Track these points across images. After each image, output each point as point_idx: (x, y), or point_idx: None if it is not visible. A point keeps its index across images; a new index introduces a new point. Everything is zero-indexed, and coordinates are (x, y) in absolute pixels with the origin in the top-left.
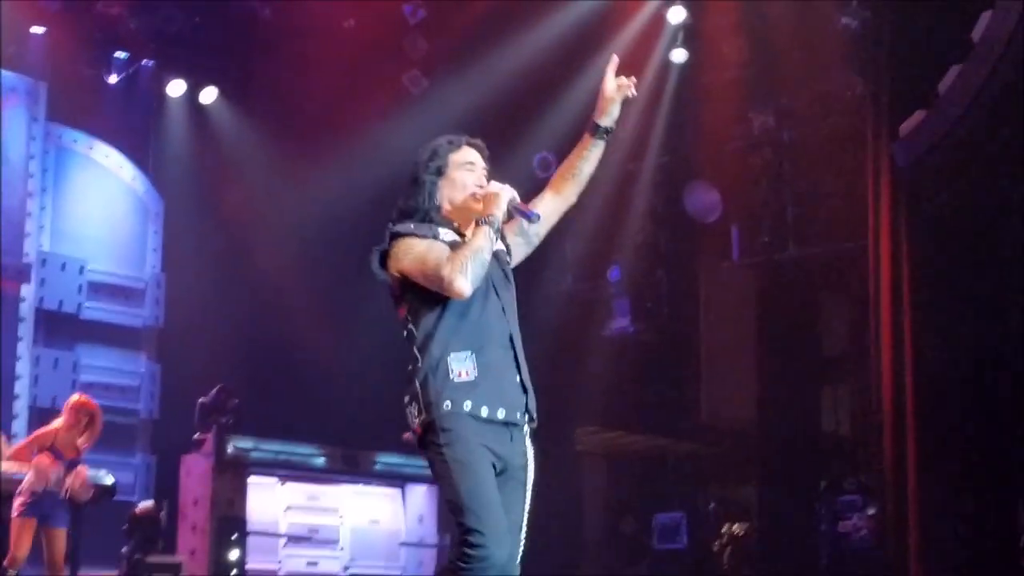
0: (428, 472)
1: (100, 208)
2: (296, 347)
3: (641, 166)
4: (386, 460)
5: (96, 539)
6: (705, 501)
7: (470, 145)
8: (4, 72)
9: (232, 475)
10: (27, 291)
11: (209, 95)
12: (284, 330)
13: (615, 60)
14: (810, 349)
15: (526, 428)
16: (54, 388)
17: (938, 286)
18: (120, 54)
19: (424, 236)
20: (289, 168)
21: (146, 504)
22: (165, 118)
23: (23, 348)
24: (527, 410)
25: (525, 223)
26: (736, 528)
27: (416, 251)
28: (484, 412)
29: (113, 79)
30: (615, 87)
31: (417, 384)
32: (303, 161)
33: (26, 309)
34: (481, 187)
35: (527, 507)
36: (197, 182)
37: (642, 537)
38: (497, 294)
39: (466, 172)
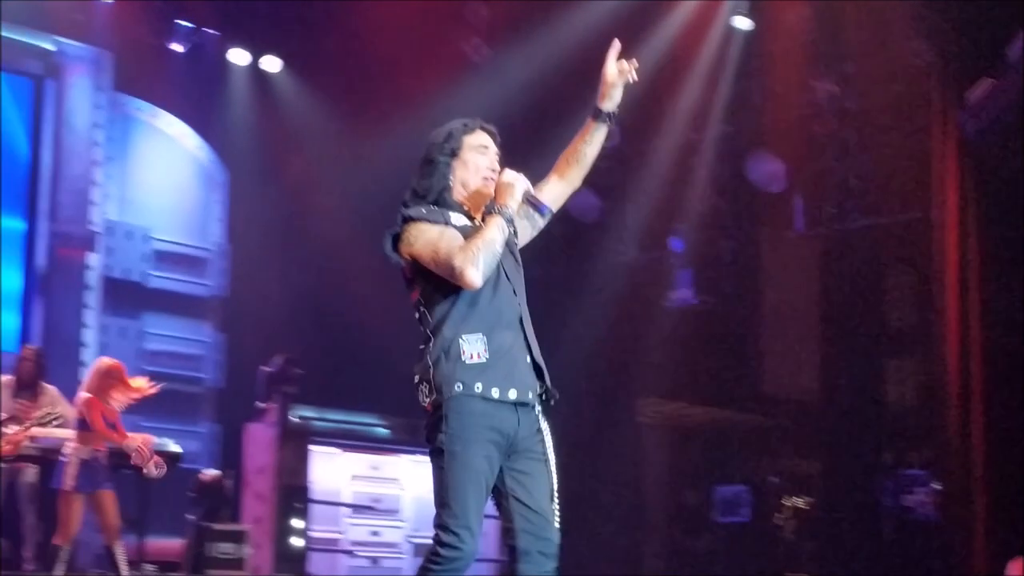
0: None
1: (165, 177)
2: (359, 316)
3: (704, 136)
4: None
5: (163, 507)
6: (767, 474)
7: (483, 129)
8: (70, 42)
9: (295, 444)
10: (93, 260)
11: (272, 64)
12: (347, 299)
13: (616, 45)
14: (874, 321)
15: (538, 408)
16: (120, 356)
17: (1006, 256)
18: (184, 23)
19: (436, 221)
20: (352, 137)
21: (211, 472)
22: (229, 87)
23: (90, 316)
24: (540, 389)
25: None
26: (799, 501)
27: (428, 236)
28: (495, 393)
29: (177, 48)
30: (616, 72)
31: (429, 365)
32: (365, 130)
33: (93, 277)
34: (494, 171)
35: (554, 483)
36: (260, 152)
37: (704, 510)
38: (508, 277)
39: (479, 155)
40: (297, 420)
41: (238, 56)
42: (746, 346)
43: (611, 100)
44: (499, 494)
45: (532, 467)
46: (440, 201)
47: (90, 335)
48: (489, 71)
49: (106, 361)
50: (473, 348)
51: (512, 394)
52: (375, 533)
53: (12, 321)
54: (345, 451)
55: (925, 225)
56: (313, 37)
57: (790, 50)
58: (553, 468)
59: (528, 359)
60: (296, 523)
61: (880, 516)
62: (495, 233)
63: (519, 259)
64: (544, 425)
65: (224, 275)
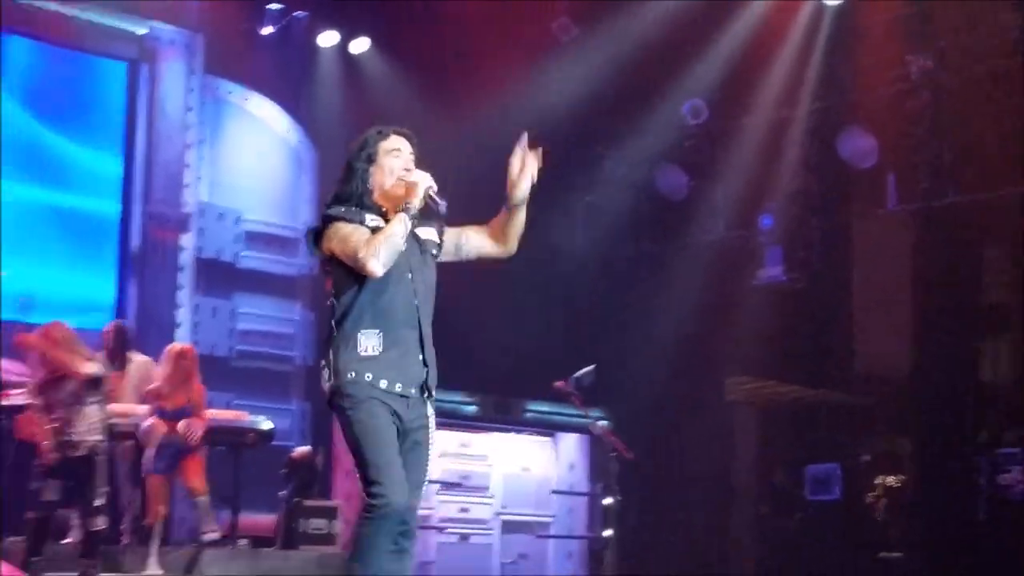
0: (580, 420)
1: (255, 159)
2: (448, 295)
3: (794, 113)
4: (537, 408)
5: (256, 483)
6: (859, 452)
7: (397, 134)
8: (162, 25)
9: None
10: (186, 241)
11: (360, 45)
12: (436, 278)
13: (523, 138)
14: (968, 298)
15: (426, 401)
16: (213, 336)
17: None
18: (274, 5)
19: (352, 220)
20: (438, 117)
21: (303, 449)
22: (317, 69)
23: (183, 297)
24: (425, 385)
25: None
26: (891, 480)
27: (341, 233)
28: (383, 384)
29: (267, 30)
30: (517, 169)
31: (331, 352)
32: (452, 110)
33: (186, 258)
34: (408, 170)
35: (428, 465)
36: (348, 132)
37: (794, 488)
38: (411, 275)
39: (393, 158)
40: None
41: (326, 38)
42: (837, 324)
43: (519, 193)
44: None
45: (412, 453)
46: (360, 204)
47: (183, 315)
48: (575, 51)
49: (177, 347)
50: (369, 342)
51: (398, 387)
52: (464, 510)
53: (107, 302)
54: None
55: (1020, 200)
56: (400, 18)
57: (881, 25)
58: (429, 457)
59: (420, 356)
60: None
61: (974, 496)
62: (397, 227)
63: (431, 263)
64: (430, 416)
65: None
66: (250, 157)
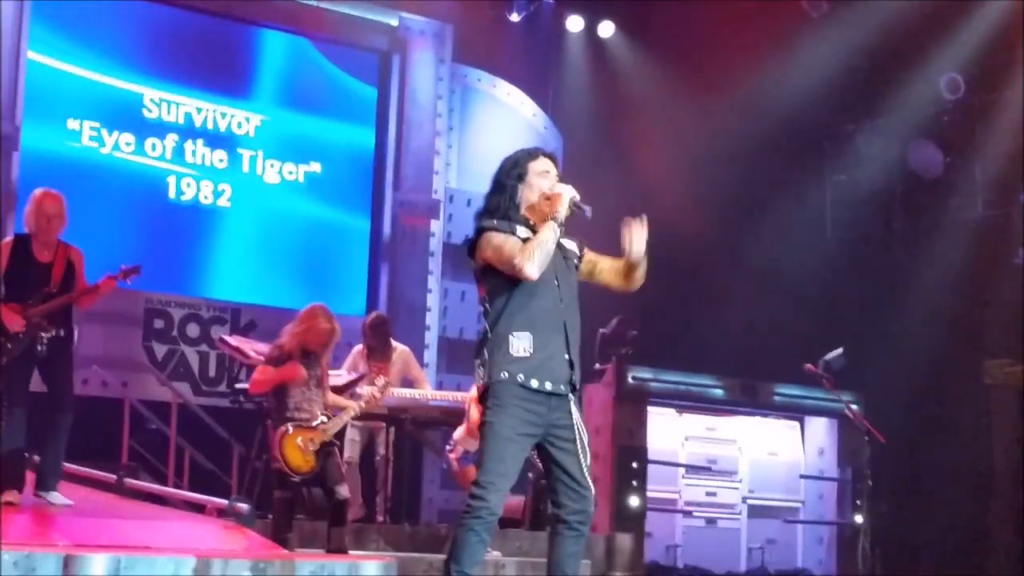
0: (828, 405)
1: (502, 145)
2: (694, 277)
3: None
4: (786, 392)
5: None
6: None
7: (545, 156)
8: (412, 17)
9: (632, 405)
10: (436, 227)
11: (607, 29)
12: (681, 260)
13: (627, 219)
14: None
15: (571, 397)
16: (460, 320)
17: None
18: None
19: (503, 231)
20: (686, 99)
21: None
22: (564, 54)
23: (433, 281)
24: (571, 382)
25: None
26: None
27: (495, 243)
28: (533, 384)
29: (515, 17)
30: (628, 242)
31: (485, 352)
32: (701, 91)
33: (435, 244)
34: (551, 188)
35: (585, 462)
36: (595, 117)
37: None
38: (557, 282)
39: (542, 178)
40: (633, 381)
41: (573, 23)
42: None
43: (634, 257)
44: (544, 467)
45: (567, 446)
46: (508, 217)
47: (433, 299)
48: (827, 26)
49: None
50: (521, 343)
51: (548, 385)
52: (711, 493)
53: (360, 285)
54: (681, 412)
55: None
56: (646, 1)
57: None
58: (585, 447)
59: (566, 357)
60: (634, 483)
61: None
62: (547, 235)
63: (573, 270)
64: (575, 411)
65: None
66: (497, 143)
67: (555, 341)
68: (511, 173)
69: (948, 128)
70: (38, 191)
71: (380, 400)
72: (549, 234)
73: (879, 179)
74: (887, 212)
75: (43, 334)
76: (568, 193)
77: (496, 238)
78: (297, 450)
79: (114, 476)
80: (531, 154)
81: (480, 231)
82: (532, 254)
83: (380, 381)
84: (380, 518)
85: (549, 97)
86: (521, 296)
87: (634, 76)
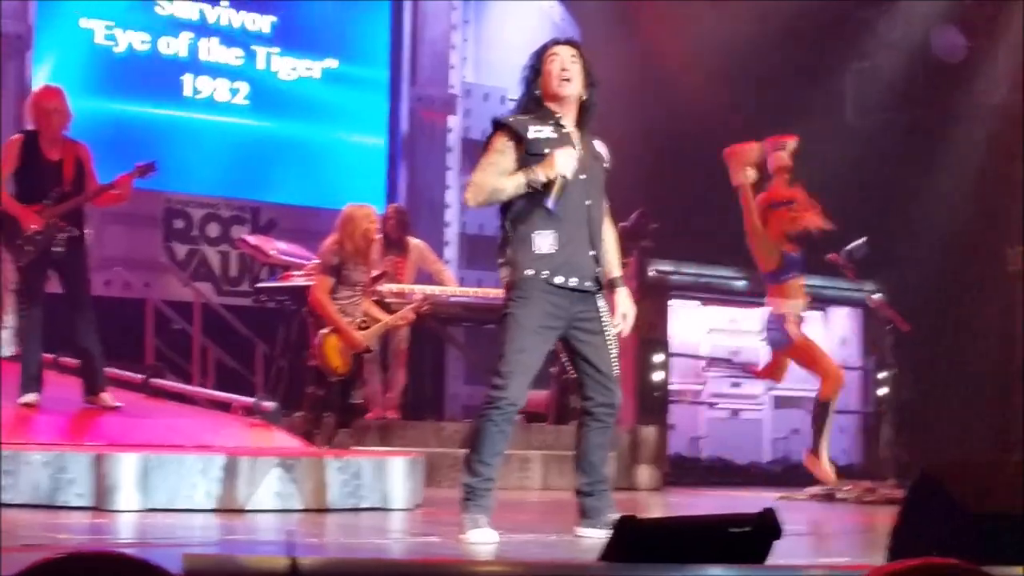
0: (851, 294)
1: (518, 37)
2: (713, 170)
3: None
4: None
5: None
6: None
7: (556, 42)
8: None
9: (654, 298)
10: (453, 122)
11: None
12: (702, 154)
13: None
14: None
15: (598, 292)
16: (480, 216)
17: None
18: None
19: (511, 136)
20: None
21: None
22: None
23: (451, 177)
24: (596, 278)
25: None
26: None
27: (482, 157)
28: (558, 280)
29: None
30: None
31: (508, 250)
32: None
33: (453, 139)
34: (564, 70)
35: (613, 353)
36: (611, 7)
37: None
38: (585, 180)
39: (550, 63)
40: (655, 274)
41: None
42: None
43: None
44: (572, 361)
45: (594, 339)
46: (532, 110)
47: (451, 195)
48: None
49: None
50: (544, 241)
51: (572, 281)
52: (735, 385)
53: (379, 182)
54: (704, 304)
55: None
56: None
57: None
58: (612, 339)
59: (591, 252)
60: (656, 376)
61: None
62: (509, 185)
63: (601, 164)
64: (602, 304)
65: None
66: (513, 35)
67: (579, 237)
68: (528, 69)
69: (970, 12)
70: (36, 87)
71: (412, 319)
72: (508, 186)
73: (900, 67)
74: (909, 99)
75: (60, 234)
76: (563, 168)
77: (492, 150)
78: (337, 352)
79: (140, 376)
80: (544, 47)
81: (493, 125)
82: (481, 190)
83: (417, 298)
84: (392, 414)
85: None
86: (544, 194)
87: None
